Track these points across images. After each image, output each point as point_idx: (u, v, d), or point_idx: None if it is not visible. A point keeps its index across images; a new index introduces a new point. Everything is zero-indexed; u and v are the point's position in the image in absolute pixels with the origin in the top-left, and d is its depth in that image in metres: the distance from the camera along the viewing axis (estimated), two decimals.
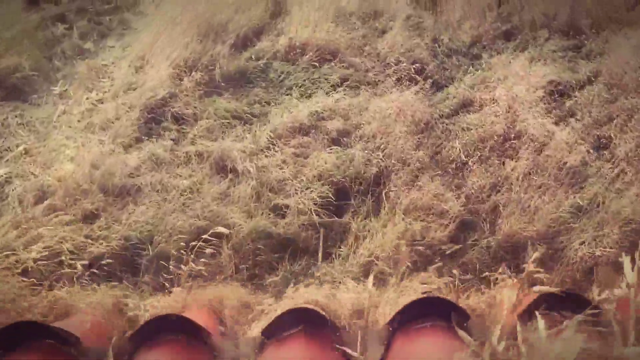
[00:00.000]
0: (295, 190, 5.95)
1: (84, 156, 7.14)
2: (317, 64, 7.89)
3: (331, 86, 7.58)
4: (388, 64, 7.77)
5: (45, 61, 9.28)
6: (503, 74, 7.45)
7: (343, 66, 7.83)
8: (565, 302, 2.67)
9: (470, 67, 7.90)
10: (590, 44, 7.82)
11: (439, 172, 5.88)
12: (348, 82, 7.60)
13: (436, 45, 8.28)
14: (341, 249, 5.39)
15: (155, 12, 9.88)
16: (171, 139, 6.95)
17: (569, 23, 8.23)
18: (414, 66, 7.64)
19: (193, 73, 7.53)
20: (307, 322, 2.85)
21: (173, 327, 2.82)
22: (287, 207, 5.84)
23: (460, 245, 5.13)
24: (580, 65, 7.56)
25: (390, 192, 5.66)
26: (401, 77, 7.63)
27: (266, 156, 6.51)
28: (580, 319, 2.46)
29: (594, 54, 7.67)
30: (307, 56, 7.96)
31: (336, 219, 5.67)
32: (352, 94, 7.38)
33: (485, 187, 5.51)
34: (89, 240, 5.49)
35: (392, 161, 6.04)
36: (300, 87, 7.64)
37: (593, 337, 2.45)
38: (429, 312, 2.80)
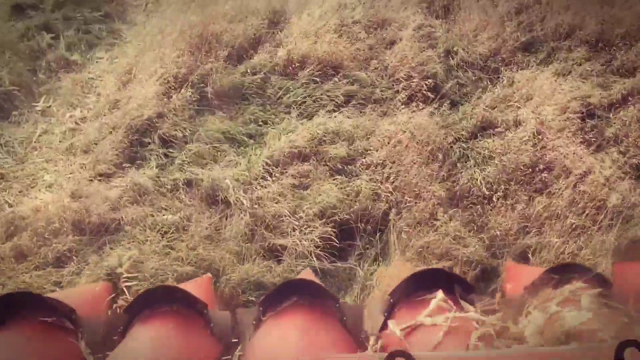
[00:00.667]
0: (294, 228, 5.24)
1: (62, 184, 6.49)
2: (318, 79, 7.17)
3: (334, 105, 6.87)
4: (397, 79, 7.05)
5: (28, 74, 8.60)
6: (526, 91, 6.72)
7: (347, 82, 7.11)
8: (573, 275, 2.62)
9: (489, 83, 7.17)
10: (622, 57, 7.05)
11: (458, 209, 5.15)
12: (353, 101, 6.89)
13: (450, 57, 7.54)
14: (345, 300, 4.68)
15: (145, 21, 9.20)
16: (157, 166, 6.26)
17: (597, 33, 7.48)
18: (426, 82, 6.91)
19: (183, 90, 6.83)
20: (305, 293, 2.80)
21: (168, 298, 2.74)
22: (284, 248, 5.13)
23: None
24: (611, 82, 6.81)
25: (402, 233, 4.94)
26: (412, 94, 6.91)
27: (261, 186, 5.81)
28: (595, 292, 2.43)
29: (627, 69, 6.91)
30: (308, 70, 7.24)
31: (340, 264, 4.96)
32: (358, 114, 6.67)
33: (512, 229, 4.77)
34: (57, 289, 4.81)
35: (404, 195, 5.32)
36: (300, 104, 6.93)
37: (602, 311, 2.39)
38: (432, 285, 2.74)
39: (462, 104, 6.88)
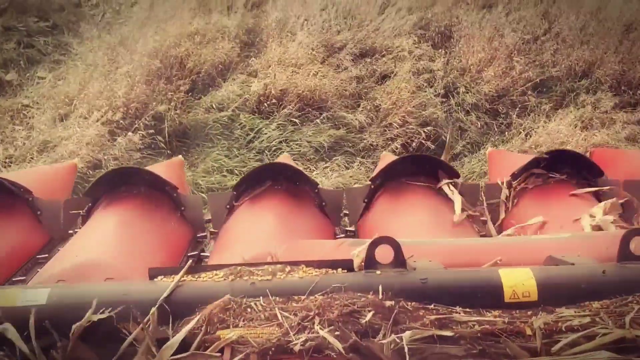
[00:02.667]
0: None
1: None
2: (297, 121, 6.02)
3: (315, 152, 5.75)
4: (390, 124, 5.95)
5: None
6: (540, 140, 5.69)
7: (332, 125, 5.98)
8: (561, 161, 2.68)
9: (496, 130, 6.13)
10: None
11: None
12: (338, 149, 5.76)
13: (450, 96, 6.49)
14: None
15: (99, 36, 7.87)
16: None
17: (618, 74, 6.53)
18: (424, 130, 5.82)
19: (131, 133, 5.59)
20: (282, 178, 2.71)
21: (134, 180, 2.63)
22: None
23: None
24: (638, 132, 5.85)
25: None
26: (407, 142, 5.82)
27: None
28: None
29: None
30: (286, 109, 6.10)
31: None
32: (343, 167, 5.54)
33: None
34: None
35: None
36: (273, 151, 5.77)
37: None
38: (415, 171, 2.72)
39: (465, 155, 5.84)
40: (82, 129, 5.57)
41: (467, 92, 6.47)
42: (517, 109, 6.29)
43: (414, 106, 5.99)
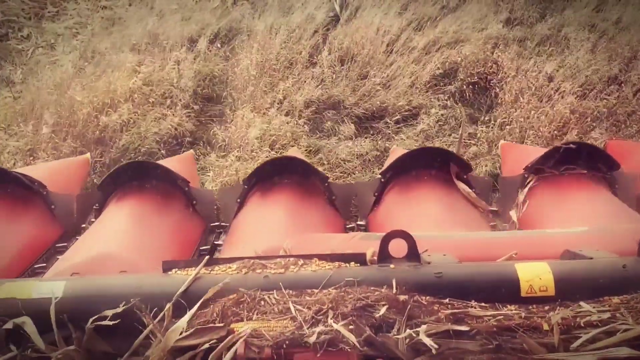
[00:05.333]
0: None
1: None
2: None
3: None
4: None
5: None
6: None
7: None
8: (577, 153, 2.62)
9: None
10: None
11: None
12: None
13: None
14: None
15: (23, 82, 5.79)
16: None
17: None
18: None
19: None
20: (292, 172, 2.72)
21: (146, 175, 2.65)
22: None
23: None
24: None
25: None
26: None
27: None
28: None
29: None
30: None
31: None
32: None
33: None
34: None
35: None
36: None
37: None
38: (426, 163, 2.70)
39: None
40: None
41: None
42: None
43: None
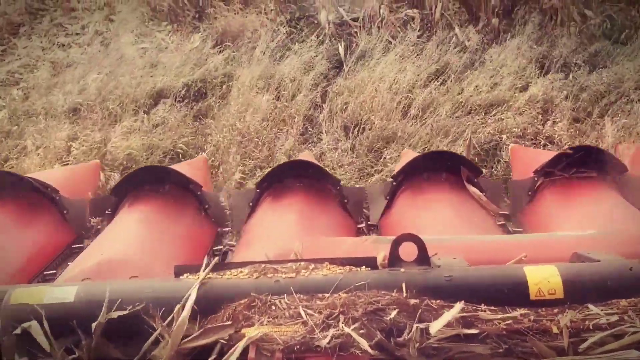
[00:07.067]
0: None
1: None
2: None
3: None
4: None
5: None
6: None
7: None
8: (585, 157, 2.63)
9: None
10: None
11: None
12: None
13: None
14: None
15: None
16: None
17: None
18: None
19: None
20: (304, 175, 2.74)
21: (158, 179, 2.69)
22: None
23: None
24: None
25: None
26: None
27: None
28: None
29: None
30: None
31: None
32: None
33: None
34: None
35: None
36: None
37: None
38: (437, 167, 2.72)
39: None
40: None
41: None
42: None
43: None
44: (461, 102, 5.01)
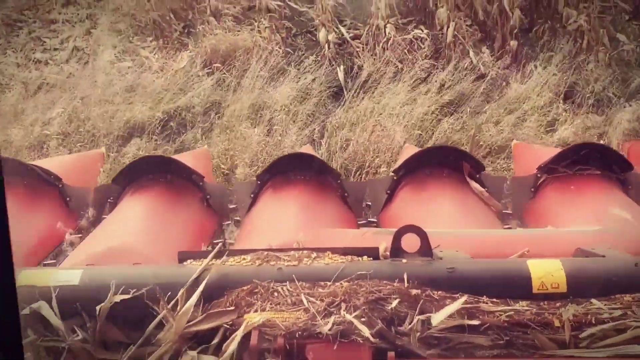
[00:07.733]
0: None
1: None
2: None
3: None
4: None
5: None
6: None
7: None
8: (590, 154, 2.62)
9: None
10: None
11: None
12: None
13: None
14: None
15: None
16: None
17: None
18: None
19: None
20: (305, 168, 2.73)
21: (161, 169, 2.69)
22: None
23: None
24: None
25: None
26: None
27: None
28: None
29: None
30: None
31: None
32: None
33: None
34: None
35: None
36: None
37: None
38: (439, 162, 2.70)
39: None
40: None
41: None
42: None
43: None
44: (481, 143, 4.45)
